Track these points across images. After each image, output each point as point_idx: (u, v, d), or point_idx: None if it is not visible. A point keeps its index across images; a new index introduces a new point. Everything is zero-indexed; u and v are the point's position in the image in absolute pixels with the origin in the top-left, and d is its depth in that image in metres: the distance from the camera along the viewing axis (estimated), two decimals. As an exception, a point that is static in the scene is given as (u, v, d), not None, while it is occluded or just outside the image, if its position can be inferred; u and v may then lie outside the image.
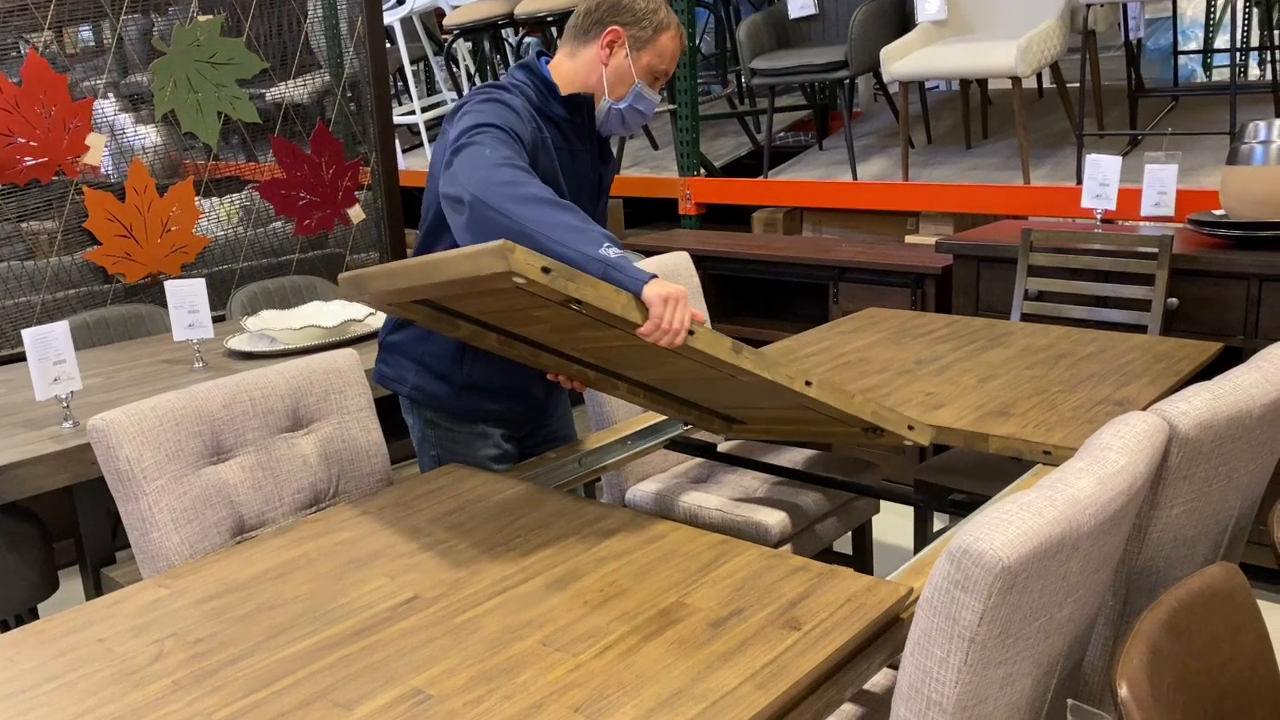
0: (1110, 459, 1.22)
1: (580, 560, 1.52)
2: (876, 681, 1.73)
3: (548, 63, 1.95)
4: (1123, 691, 1.15)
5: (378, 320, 2.98)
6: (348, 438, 1.88)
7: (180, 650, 1.32)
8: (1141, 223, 3.48)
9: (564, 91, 1.92)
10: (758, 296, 4.23)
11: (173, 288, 2.66)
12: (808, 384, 1.66)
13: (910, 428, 1.82)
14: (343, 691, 1.21)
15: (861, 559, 2.64)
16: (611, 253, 1.52)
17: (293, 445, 1.81)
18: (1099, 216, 3.21)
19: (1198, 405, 1.41)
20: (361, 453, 1.89)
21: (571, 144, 1.96)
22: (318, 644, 1.32)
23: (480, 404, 2.02)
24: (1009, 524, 1.07)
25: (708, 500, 2.40)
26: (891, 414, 1.79)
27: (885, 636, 1.39)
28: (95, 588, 2.35)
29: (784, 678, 1.20)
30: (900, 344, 2.61)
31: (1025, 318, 3.04)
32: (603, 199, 2.10)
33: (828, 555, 2.72)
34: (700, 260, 3.93)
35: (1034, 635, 1.16)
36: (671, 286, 1.50)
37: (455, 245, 1.86)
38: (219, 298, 3.69)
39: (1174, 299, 2.86)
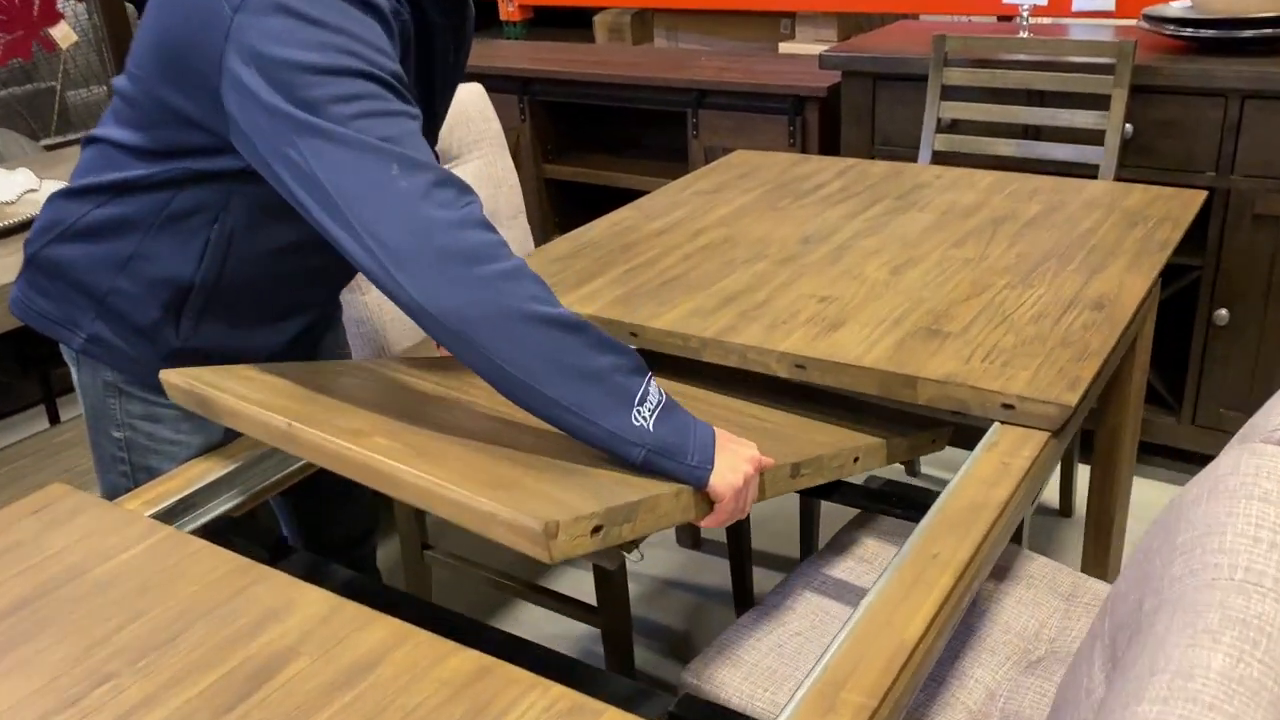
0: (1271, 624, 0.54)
1: (200, 751, 0.80)
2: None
3: None
4: None
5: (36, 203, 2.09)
6: None
7: None
8: (1071, 21, 2.77)
9: None
10: (599, 128, 3.42)
11: None
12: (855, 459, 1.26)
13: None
14: None
15: (738, 546, 1.98)
16: (647, 416, 0.98)
17: None
18: (1026, 14, 2.48)
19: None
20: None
21: (433, 40, 1.21)
22: None
23: None
24: None
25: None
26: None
27: None
28: None
29: None
30: (779, 209, 1.89)
31: (938, 157, 2.34)
32: (455, 90, 1.36)
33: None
34: (526, 84, 3.09)
35: None
36: (743, 462, 1.02)
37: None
38: None
39: (1128, 125, 2.18)
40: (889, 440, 1.31)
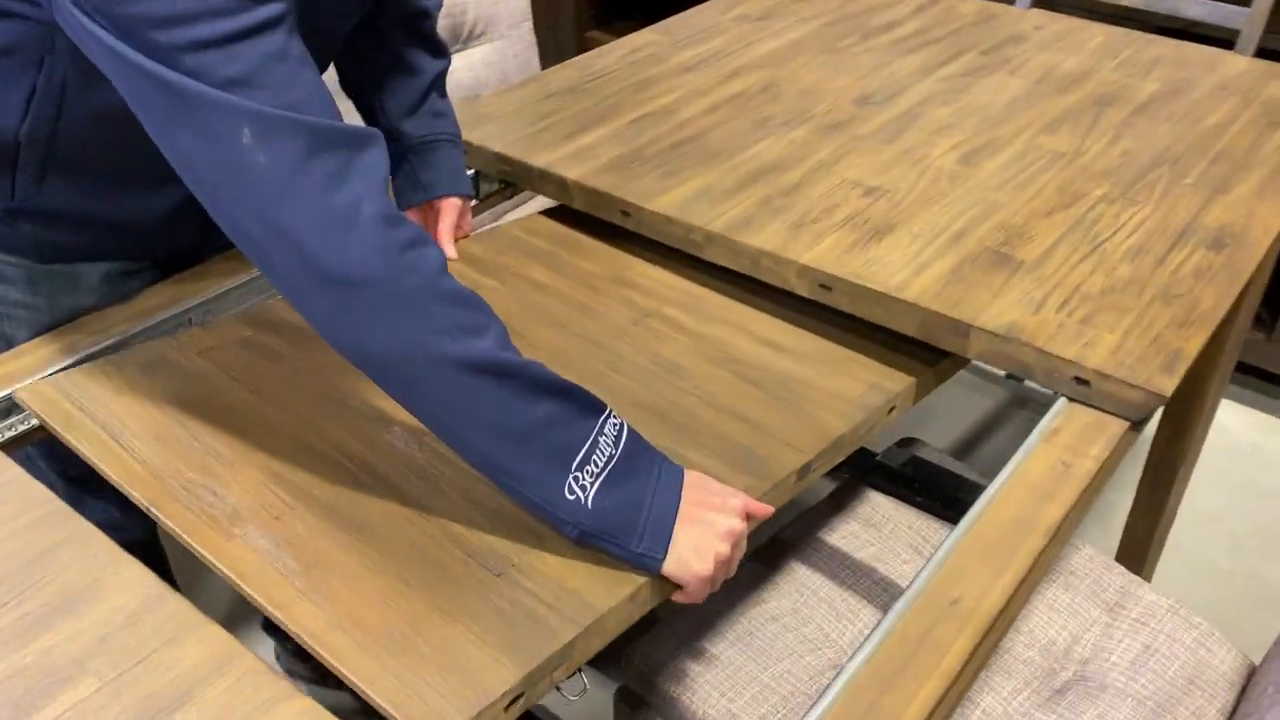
0: None
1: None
2: None
3: None
4: None
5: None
6: None
7: None
8: None
9: None
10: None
11: None
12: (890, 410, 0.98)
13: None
14: None
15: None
16: (588, 484, 0.72)
17: None
18: None
19: None
20: None
21: None
22: None
23: (54, 238, 0.99)
24: None
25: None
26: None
27: None
28: None
29: None
30: (838, 51, 1.54)
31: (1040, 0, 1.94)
32: None
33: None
34: None
35: None
36: (715, 540, 0.75)
37: None
38: None
39: (1284, -17, 1.77)
40: (927, 374, 1.02)
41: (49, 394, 0.89)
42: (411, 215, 1.12)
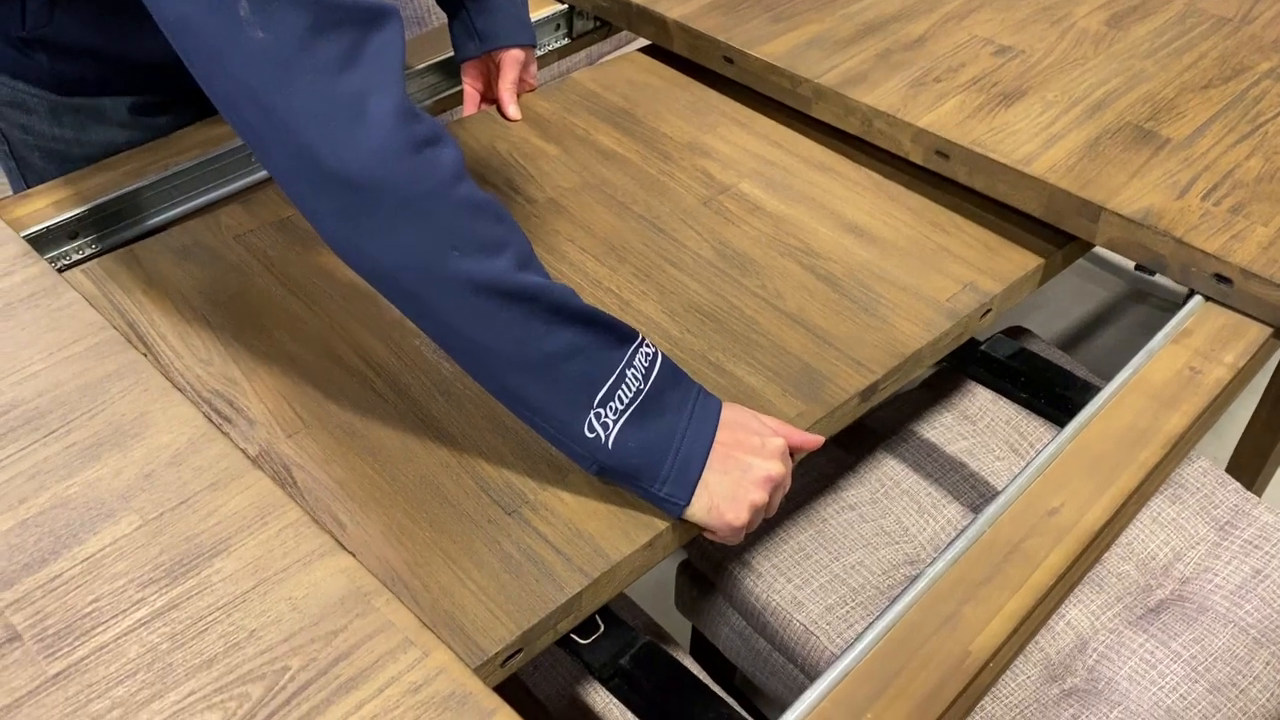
0: None
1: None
2: None
3: None
4: None
5: None
6: None
7: None
8: None
9: None
10: None
11: None
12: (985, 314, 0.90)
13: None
14: None
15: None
16: (610, 421, 0.65)
17: None
18: None
19: None
20: None
21: None
22: None
23: (70, 70, 0.94)
24: None
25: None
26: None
27: None
28: None
29: None
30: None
31: None
32: None
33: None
34: None
35: None
36: (751, 487, 0.68)
37: None
38: None
39: None
40: (1033, 269, 0.92)
41: (82, 283, 0.85)
42: (470, 69, 1.03)
